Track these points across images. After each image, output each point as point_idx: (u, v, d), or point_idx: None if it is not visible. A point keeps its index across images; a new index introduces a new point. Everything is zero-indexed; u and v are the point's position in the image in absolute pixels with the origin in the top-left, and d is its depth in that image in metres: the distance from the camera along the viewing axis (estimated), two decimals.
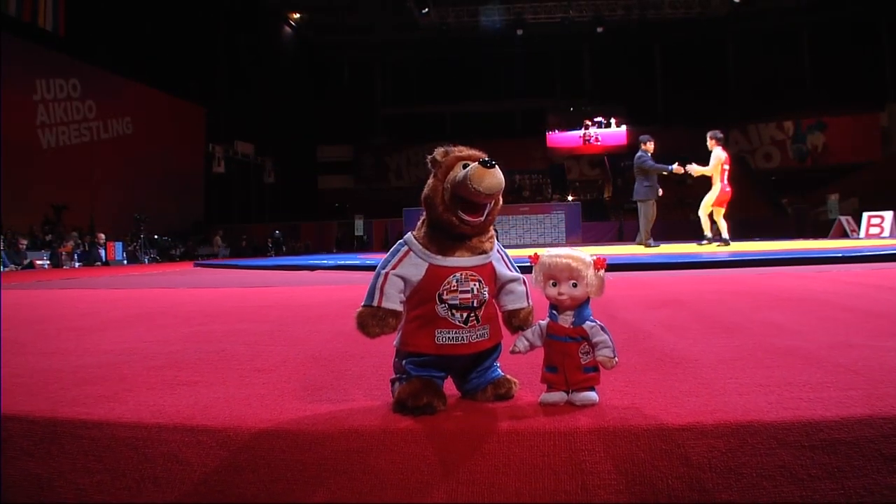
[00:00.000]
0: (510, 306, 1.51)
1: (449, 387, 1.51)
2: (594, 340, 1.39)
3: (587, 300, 1.42)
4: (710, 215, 11.65)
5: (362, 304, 1.45)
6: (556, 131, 35.70)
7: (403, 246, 1.48)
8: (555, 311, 1.43)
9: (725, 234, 11.56)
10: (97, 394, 1.65)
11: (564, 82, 36.70)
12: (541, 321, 1.46)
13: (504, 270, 1.51)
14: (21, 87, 18.80)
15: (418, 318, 1.44)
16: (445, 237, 1.44)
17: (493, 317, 1.49)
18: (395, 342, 1.50)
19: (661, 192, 11.99)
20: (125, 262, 18.65)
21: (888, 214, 17.25)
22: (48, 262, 16.44)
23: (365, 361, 1.96)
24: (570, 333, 1.40)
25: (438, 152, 1.46)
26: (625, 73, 35.37)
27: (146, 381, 1.79)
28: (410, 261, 1.45)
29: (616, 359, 1.39)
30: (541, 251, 1.45)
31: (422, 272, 1.43)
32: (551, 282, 1.41)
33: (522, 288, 1.53)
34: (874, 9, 30.88)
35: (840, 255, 6.52)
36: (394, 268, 1.45)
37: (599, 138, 35.17)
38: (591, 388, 1.41)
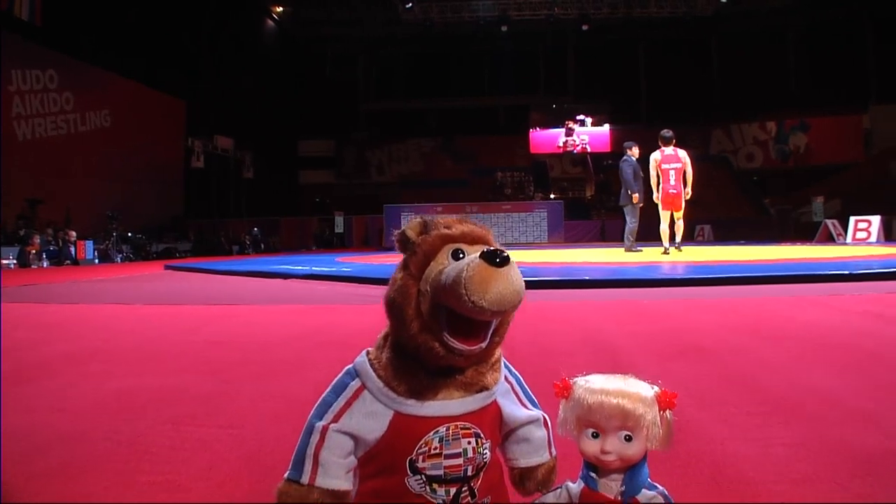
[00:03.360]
0: (523, 461, 0.99)
1: None
2: None
3: (644, 456, 0.91)
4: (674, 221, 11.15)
5: (286, 475, 0.90)
6: (538, 129, 35.33)
7: (353, 379, 0.93)
8: (593, 474, 0.91)
9: (666, 242, 10.99)
10: None
11: (548, 80, 36.41)
12: (570, 483, 0.94)
13: (516, 410, 0.98)
14: None
15: (376, 494, 0.90)
16: (422, 370, 0.90)
17: (496, 483, 0.96)
18: None
19: (636, 198, 11.48)
20: (96, 261, 17.95)
21: (875, 219, 17.00)
22: (14, 261, 15.71)
23: None
24: None
25: (412, 226, 0.93)
26: (609, 72, 35.16)
27: None
28: (364, 406, 0.91)
29: None
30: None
31: (383, 425, 0.89)
32: (591, 431, 0.89)
33: (542, 433, 1.00)
34: (858, 11, 30.84)
35: (848, 271, 6.06)
36: (336, 418, 0.91)
37: (588, 147, 34.75)
38: None
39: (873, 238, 16.64)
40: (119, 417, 1.98)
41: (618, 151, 23.96)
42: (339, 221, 28.62)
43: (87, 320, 4.52)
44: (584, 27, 31.16)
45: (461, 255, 0.88)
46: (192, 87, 26.38)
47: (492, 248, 0.84)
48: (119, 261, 18.39)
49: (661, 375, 2.24)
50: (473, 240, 0.90)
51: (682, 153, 10.66)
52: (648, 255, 10.89)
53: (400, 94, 36.69)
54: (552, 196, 32.69)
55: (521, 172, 35.10)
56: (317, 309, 4.80)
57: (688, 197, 10.64)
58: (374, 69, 37.47)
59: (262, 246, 25.28)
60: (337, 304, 5.11)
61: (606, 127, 34.35)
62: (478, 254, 0.84)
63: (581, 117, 34.71)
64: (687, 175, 10.57)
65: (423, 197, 30.00)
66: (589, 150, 34.45)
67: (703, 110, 33.97)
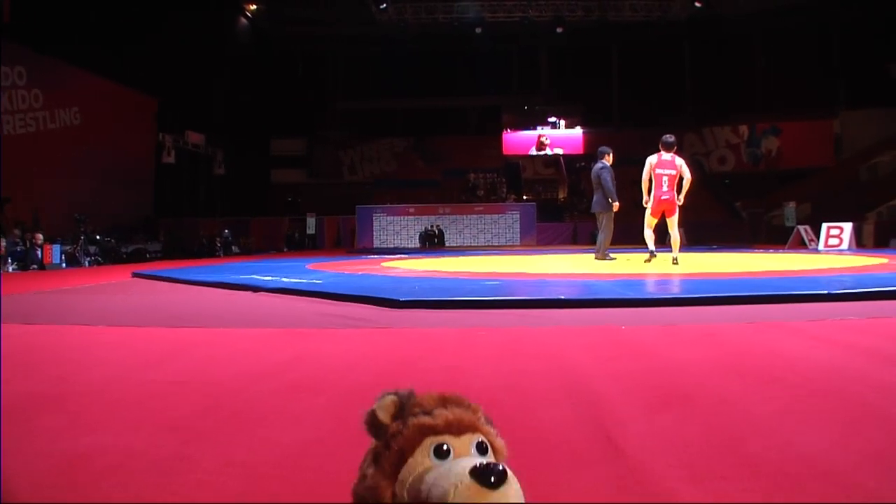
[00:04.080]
0: None
1: None
2: None
3: None
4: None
5: None
6: (511, 130, 35.42)
7: None
8: None
9: (651, 247, 11.01)
10: None
11: (521, 81, 36.55)
12: None
13: None
14: None
15: None
16: None
17: None
18: None
19: (616, 206, 11.51)
20: (63, 265, 17.52)
21: (847, 226, 17.19)
22: None
23: None
24: None
25: (384, 406, 0.76)
26: (582, 74, 35.36)
27: None
28: None
29: None
30: None
31: None
32: None
33: None
34: (829, 18, 31.30)
35: (833, 291, 5.95)
36: None
37: (561, 157, 34.91)
38: None
39: (845, 245, 16.84)
40: (68, 493, 1.82)
41: (591, 153, 24.06)
42: (311, 223, 28.48)
43: (45, 349, 4.30)
44: (559, 29, 31.27)
45: (445, 450, 0.70)
46: (164, 82, 26.03)
47: (484, 463, 0.67)
48: (87, 265, 18.02)
49: (648, 435, 2.14)
50: (460, 430, 0.72)
51: (679, 160, 10.52)
52: (622, 264, 10.89)
53: (373, 93, 36.73)
54: (525, 198, 32.82)
55: (494, 174, 35.23)
56: (285, 334, 4.63)
57: (679, 203, 10.55)
58: (347, 69, 37.38)
59: (235, 248, 24.98)
60: (307, 327, 4.95)
61: (579, 129, 34.53)
62: (467, 470, 0.66)
63: (553, 119, 34.87)
64: (683, 182, 10.46)
65: (396, 197, 29.98)
66: (561, 151, 34.67)
67: (676, 113, 34.27)
